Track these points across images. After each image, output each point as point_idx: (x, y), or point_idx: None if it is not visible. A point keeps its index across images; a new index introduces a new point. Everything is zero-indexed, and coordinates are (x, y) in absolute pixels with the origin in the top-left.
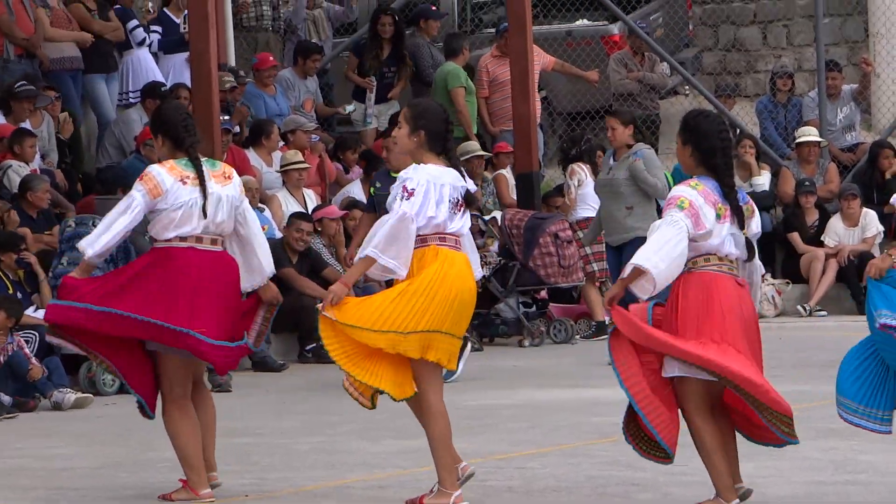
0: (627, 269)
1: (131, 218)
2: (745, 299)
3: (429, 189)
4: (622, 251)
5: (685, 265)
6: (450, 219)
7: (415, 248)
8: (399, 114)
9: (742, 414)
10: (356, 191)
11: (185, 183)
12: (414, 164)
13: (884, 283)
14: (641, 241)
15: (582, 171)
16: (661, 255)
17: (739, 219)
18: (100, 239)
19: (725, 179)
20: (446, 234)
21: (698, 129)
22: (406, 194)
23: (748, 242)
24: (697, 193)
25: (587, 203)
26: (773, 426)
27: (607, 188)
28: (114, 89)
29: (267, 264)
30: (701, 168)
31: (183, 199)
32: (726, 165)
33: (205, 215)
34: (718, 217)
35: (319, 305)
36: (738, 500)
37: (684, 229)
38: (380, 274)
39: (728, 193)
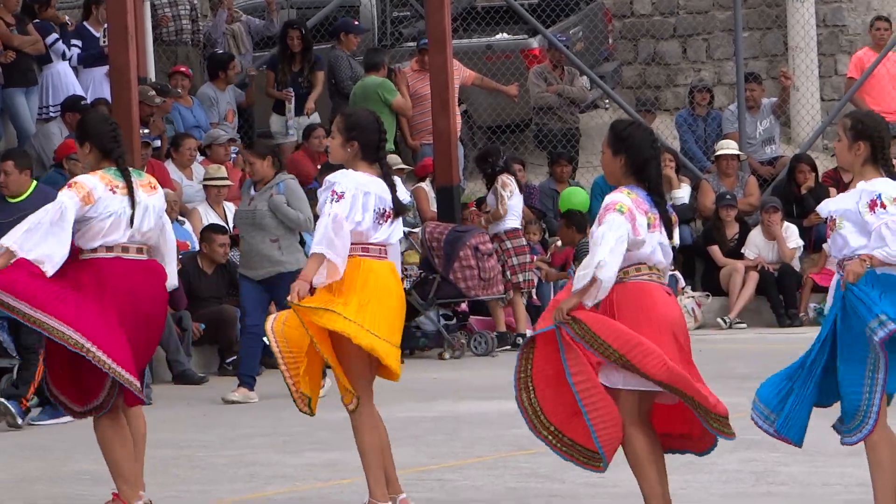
0: (581, 281)
1: (64, 224)
2: (675, 308)
3: (356, 195)
4: (265, 285)
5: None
6: (374, 228)
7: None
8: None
9: (676, 435)
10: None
11: (114, 192)
12: (342, 170)
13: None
14: (288, 275)
15: (512, 183)
16: (611, 262)
17: (668, 228)
18: (25, 235)
19: (657, 188)
20: (369, 244)
21: (631, 139)
22: (336, 197)
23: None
24: (631, 201)
25: (513, 213)
26: (715, 430)
27: (249, 220)
28: (33, 103)
29: (172, 277)
30: (631, 178)
31: (112, 208)
32: (658, 175)
33: (132, 224)
34: (649, 226)
35: (289, 299)
36: None
37: (626, 235)
38: (323, 280)
39: (658, 202)
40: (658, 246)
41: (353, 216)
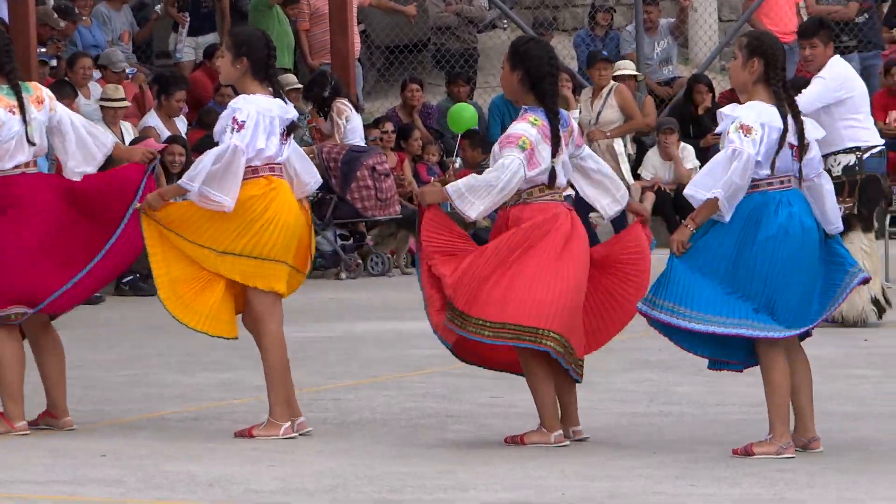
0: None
1: None
2: (578, 224)
3: (259, 121)
4: None
5: (520, 196)
6: (279, 151)
7: (247, 180)
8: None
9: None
10: (153, 121)
11: (13, 113)
12: (243, 95)
13: (691, 260)
14: None
15: (347, 108)
16: (486, 207)
17: (555, 146)
18: None
19: (551, 106)
20: (275, 164)
21: (528, 54)
22: (236, 126)
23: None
24: (536, 131)
25: (356, 136)
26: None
27: None
28: None
29: (102, 146)
30: (529, 95)
31: (16, 128)
32: (553, 92)
33: (32, 143)
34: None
35: (138, 205)
36: (560, 432)
37: (517, 177)
38: (199, 201)
39: (552, 119)
40: (560, 166)
41: (255, 144)
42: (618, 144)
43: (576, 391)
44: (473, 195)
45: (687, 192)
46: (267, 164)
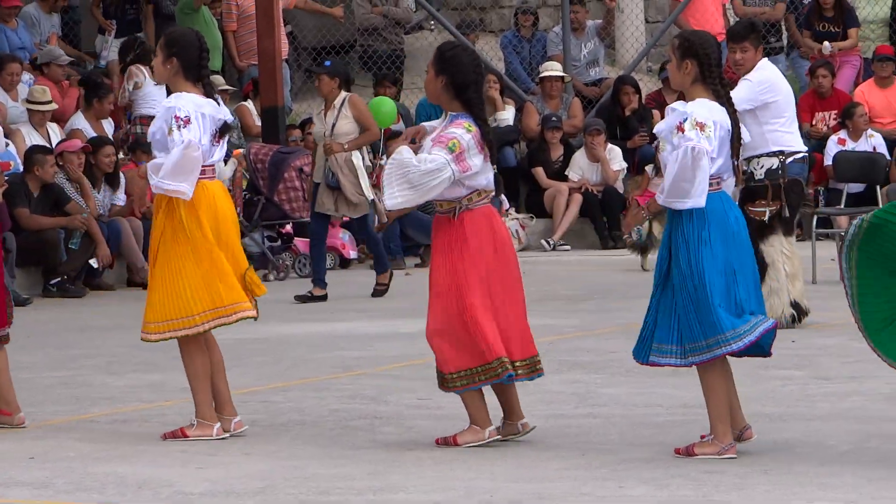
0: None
1: None
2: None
3: (198, 117)
4: None
5: (461, 203)
6: (210, 151)
7: None
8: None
9: None
10: (80, 122)
11: None
12: (175, 93)
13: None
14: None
15: (141, 73)
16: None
17: (492, 152)
18: None
19: (479, 113)
20: (205, 166)
21: (455, 60)
22: (182, 122)
23: (496, 177)
24: (470, 137)
25: (147, 103)
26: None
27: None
28: None
29: None
30: (455, 102)
31: None
32: (479, 100)
33: None
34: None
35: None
36: (493, 427)
37: (448, 173)
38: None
39: (482, 126)
40: (490, 173)
41: (202, 139)
42: (356, 157)
43: (514, 385)
44: (389, 184)
45: (664, 203)
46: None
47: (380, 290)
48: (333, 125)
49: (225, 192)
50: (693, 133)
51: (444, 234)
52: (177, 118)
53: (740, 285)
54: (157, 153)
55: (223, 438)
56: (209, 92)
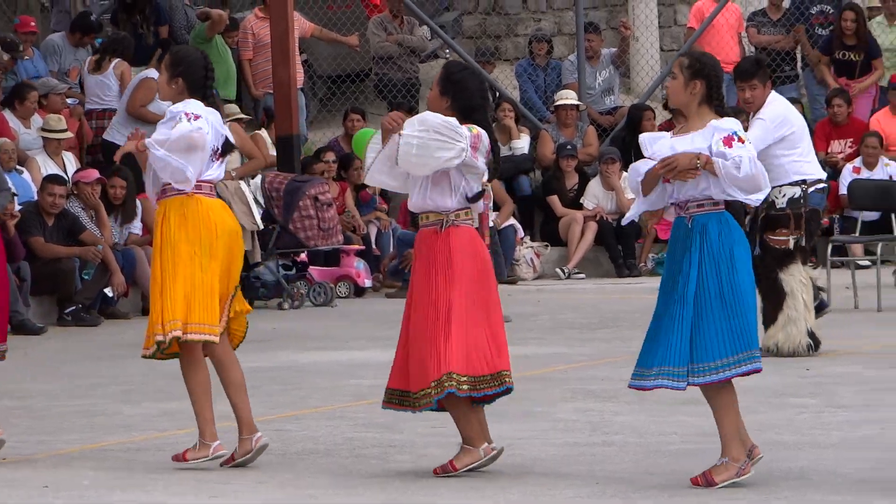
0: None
1: None
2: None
3: (206, 119)
4: None
5: (449, 218)
6: (208, 165)
7: (174, 196)
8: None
9: None
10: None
11: None
12: (184, 100)
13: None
14: None
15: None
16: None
17: (495, 170)
18: None
19: (490, 132)
20: (202, 181)
21: (462, 83)
22: (193, 117)
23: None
24: (485, 138)
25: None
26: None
27: None
28: None
29: None
30: (468, 122)
31: None
32: (486, 124)
33: None
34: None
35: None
36: (487, 444)
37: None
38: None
39: (492, 143)
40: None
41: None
42: (244, 186)
43: (482, 409)
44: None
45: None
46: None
47: None
48: None
49: (226, 208)
50: (749, 145)
51: (428, 249)
52: (187, 114)
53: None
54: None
55: (220, 456)
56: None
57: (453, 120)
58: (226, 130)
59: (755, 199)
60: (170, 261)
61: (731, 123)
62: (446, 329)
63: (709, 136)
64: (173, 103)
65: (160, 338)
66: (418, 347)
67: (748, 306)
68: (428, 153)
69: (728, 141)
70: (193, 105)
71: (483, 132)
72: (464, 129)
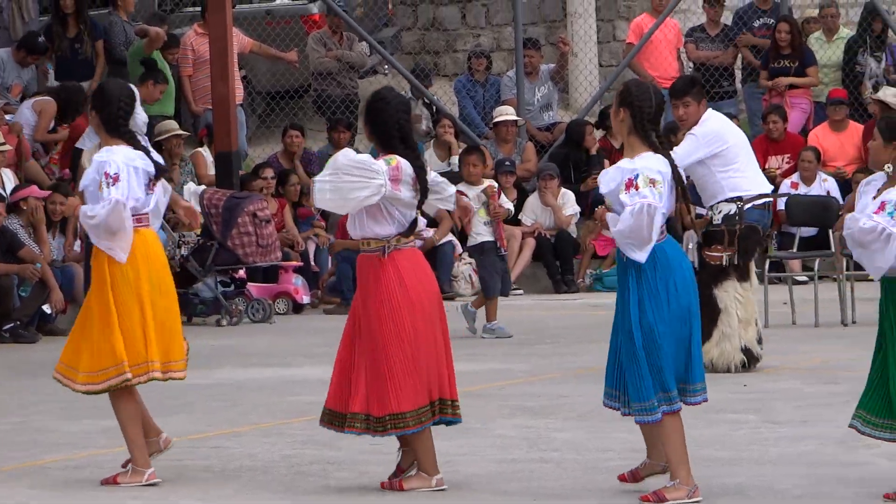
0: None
1: None
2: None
3: (129, 172)
4: None
5: (390, 243)
6: (146, 201)
7: None
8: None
9: None
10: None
11: None
12: (105, 147)
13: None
14: None
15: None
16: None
17: (423, 196)
18: None
19: (413, 162)
20: (142, 214)
21: (378, 114)
22: (111, 180)
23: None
24: (408, 168)
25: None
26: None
27: None
28: None
29: None
30: (387, 151)
31: None
32: (406, 148)
33: None
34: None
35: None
36: (441, 475)
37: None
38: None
39: (417, 171)
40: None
41: (132, 194)
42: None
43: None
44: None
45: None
46: (134, 216)
47: None
48: None
49: (157, 239)
50: (647, 190)
51: (372, 275)
52: (106, 174)
53: (695, 335)
54: (90, 203)
55: (154, 484)
56: (133, 142)
57: (366, 157)
58: (156, 158)
59: (637, 257)
60: (127, 300)
61: (644, 162)
62: (388, 364)
63: (618, 176)
64: (97, 134)
65: (128, 376)
66: (363, 376)
67: (659, 347)
68: (342, 195)
69: (628, 185)
70: (117, 156)
71: (403, 162)
72: (380, 164)
